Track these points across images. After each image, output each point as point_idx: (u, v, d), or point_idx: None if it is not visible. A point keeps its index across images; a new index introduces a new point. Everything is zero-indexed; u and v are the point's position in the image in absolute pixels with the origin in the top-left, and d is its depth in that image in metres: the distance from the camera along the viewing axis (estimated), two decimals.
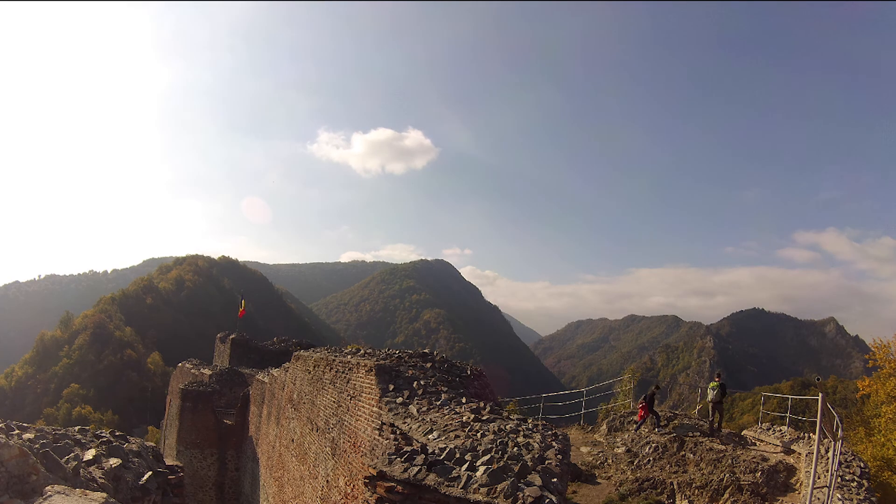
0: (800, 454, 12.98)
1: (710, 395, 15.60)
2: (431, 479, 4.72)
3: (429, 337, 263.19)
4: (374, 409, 8.78)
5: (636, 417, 17.03)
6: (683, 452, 14.26)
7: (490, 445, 5.73)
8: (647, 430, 16.18)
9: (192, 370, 33.07)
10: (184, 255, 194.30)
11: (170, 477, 5.61)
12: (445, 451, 5.33)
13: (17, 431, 4.99)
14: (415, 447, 5.89)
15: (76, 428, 6.21)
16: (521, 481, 4.72)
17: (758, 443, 14.69)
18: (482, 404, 8.24)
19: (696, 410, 19.79)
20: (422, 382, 9.28)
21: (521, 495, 4.43)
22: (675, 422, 16.36)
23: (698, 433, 15.19)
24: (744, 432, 15.63)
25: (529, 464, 5.13)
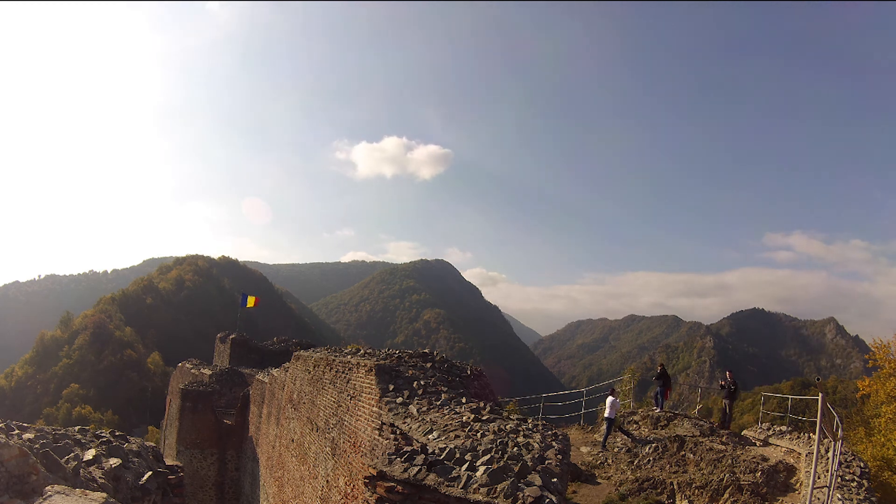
0: (800, 454, 12.98)
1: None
2: (431, 479, 4.72)
3: (429, 337, 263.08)
4: (374, 409, 8.77)
5: (664, 396, 18.29)
6: (683, 452, 14.26)
7: (490, 445, 5.72)
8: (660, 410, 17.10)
9: (192, 370, 33.05)
10: (184, 255, 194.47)
11: (170, 477, 5.61)
12: (445, 451, 5.33)
13: (17, 431, 4.99)
14: (415, 447, 5.88)
15: (76, 428, 6.20)
16: (521, 481, 4.72)
17: (758, 443, 14.69)
18: (482, 404, 8.24)
19: (696, 410, 19.80)
20: (422, 382, 9.28)
21: (521, 495, 4.43)
22: (676, 421, 16.37)
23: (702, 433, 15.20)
24: (744, 432, 15.63)
25: (529, 464, 5.12)
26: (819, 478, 10.28)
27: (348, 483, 9.20)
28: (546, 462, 5.34)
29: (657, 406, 17.84)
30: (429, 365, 10.52)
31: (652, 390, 20.15)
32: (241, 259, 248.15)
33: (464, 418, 7.30)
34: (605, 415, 16.11)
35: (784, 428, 15.15)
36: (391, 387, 8.98)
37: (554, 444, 6.12)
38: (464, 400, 8.56)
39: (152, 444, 6.87)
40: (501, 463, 5.04)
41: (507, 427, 6.72)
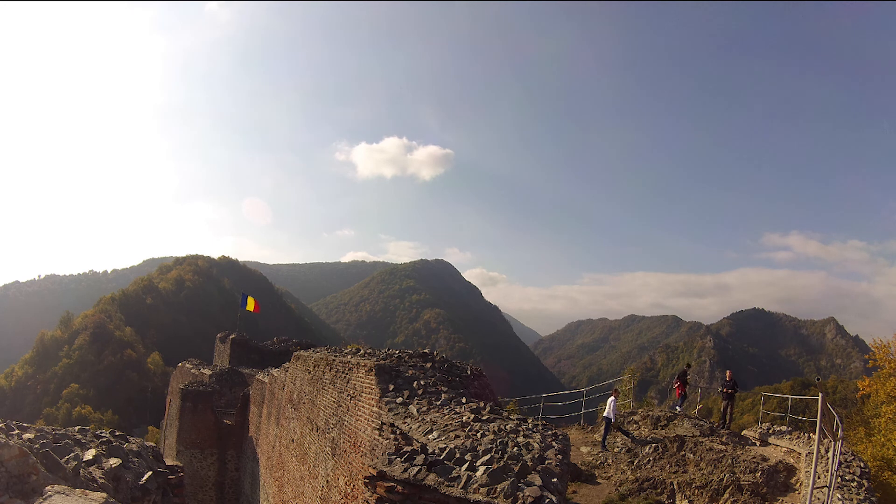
0: (800, 454, 12.99)
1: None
2: (431, 479, 4.72)
3: (429, 337, 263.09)
4: (374, 409, 8.77)
5: (675, 395, 18.34)
6: (683, 452, 14.26)
7: (490, 445, 5.72)
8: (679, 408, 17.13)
9: (192, 370, 33.04)
10: (184, 255, 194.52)
11: (170, 477, 5.61)
12: (445, 451, 5.33)
13: (17, 431, 4.99)
14: (415, 447, 5.88)
15: (76, 428, 6.20)
16: (521, 481, 4.72)
17: (758, 443, 14.69)
18: (482, 404, 8.24)
19: (696, 410, 19.80)
20: (422, 382, 9.27)
21: (521, 495, 4.43)
22: (676, 421, 16.37)
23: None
24: (744, 432, 15.63)
25: (529, 464, 5.12)
26: (819, 478, 10.28)
27: (348, 483, 9.20)
28: (546, 462, 5.34)
29: (679, 405, 18.01)
30: (429, 365, 10.52)
31: (652, 390, 20.22)
32: (241, 259, 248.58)
33: (464, 418, 7.30)
34: (604, 414, 16.16)
35: (784, 428, 15.15)
36: (391, 387, 8.98)
37: (554, 444, 6.12)
38: (464, 400, 8.56)
39: (152, 444, 6.87)
40: (501, 463, 5.04)
41: (507, 427, 6.71)
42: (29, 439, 4.72)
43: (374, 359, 10.36)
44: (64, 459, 4.65)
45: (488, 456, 5.25)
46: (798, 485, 12.00)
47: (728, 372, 17.91)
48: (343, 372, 10.77)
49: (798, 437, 13.99)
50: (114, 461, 5.12)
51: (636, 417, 17.22)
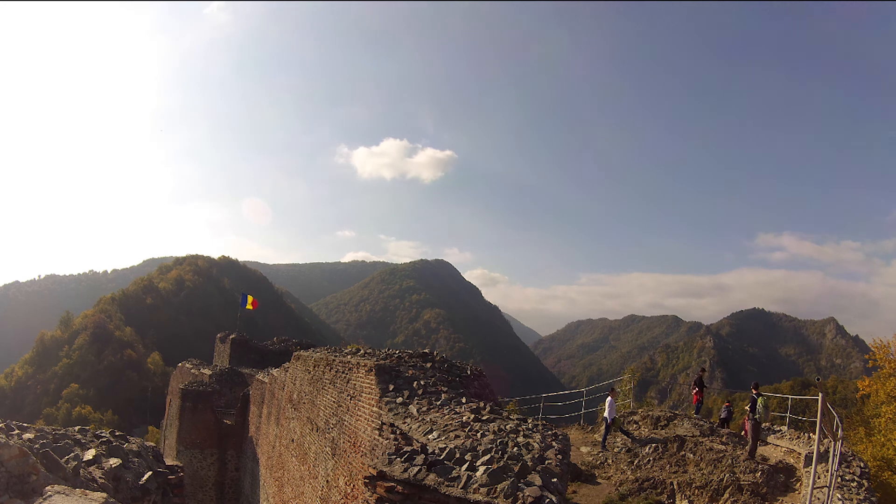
0: (800, 454, 12.99)
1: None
2: (431, 479, 4.72)
3: (429, 337, 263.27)
4: (374, 409, 8.78)
5: (692, 401, 18.32)
6: (683, 452, 14.26)
7: (490, 445, 5.72)
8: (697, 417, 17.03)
9: (192, 370, 33.06)
10: (184, 255, 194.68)
11: (170, 477, 5.61)
12: (445, 451, 5.33)
13: (17, 431, 4.99)
14: (415, 447, 5.88)
15: (76, 428, 6.20)
16: (521, 481, 4.72)
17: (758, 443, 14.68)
18: (482, 404, 8.24)
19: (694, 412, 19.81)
20: (422, 382, 9.28)
21: (521, 495, 4.43)
22: (675, 421, 16.37)
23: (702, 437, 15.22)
24: (744, 432, 15.62)
25: (529, 464, 5.12)
26: (819, 478, 10.29)
27: (348, 483, 9.21)
28: (546, 462, 5.34)
29: (697, 410, 17.96)
30: (429, 365, 10.52)
31: (652, 390, 20.23)
32: (241, 259, 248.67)
33: (464, 418, 7.30)
34: (604, 415, 16.18)
35: (784, 428, 15.15)
36: (391, 387, 8.99)
37: (554, 444, 6.12)
38: (464, 400, 8.56)
39: (152, 444, 6.87)
40: (501, 463, 5.04)
41: (507, 427, 6.71)
42: (29, 439, 4.72)
43: (374, 359, 10.37)
44: (64, 459, 4.64)
45: (488, 456, 5.25)
46: (798, 485, 12.00)
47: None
48: (343, 372, 10.78)
49: (798, 437, 14.00)
50: (114, 461, 5.12)
51: (636, 417, 17.22)
